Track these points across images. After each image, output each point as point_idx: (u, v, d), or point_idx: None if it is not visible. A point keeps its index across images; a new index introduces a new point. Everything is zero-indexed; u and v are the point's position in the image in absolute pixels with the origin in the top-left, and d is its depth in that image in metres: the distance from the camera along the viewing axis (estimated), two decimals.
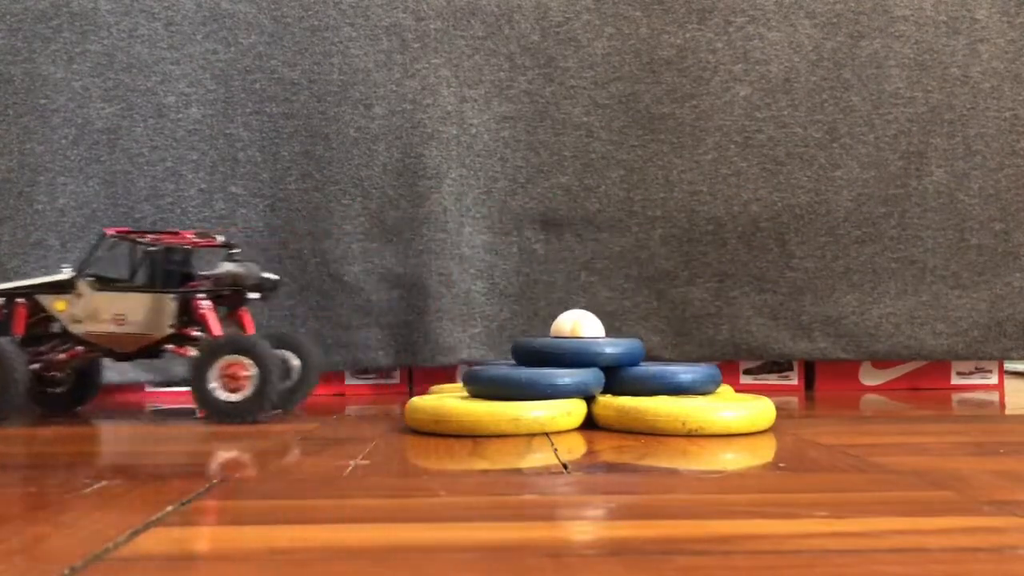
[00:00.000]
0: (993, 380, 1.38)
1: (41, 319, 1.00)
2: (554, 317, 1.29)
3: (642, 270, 1.31)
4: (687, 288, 1.31)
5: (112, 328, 0.98)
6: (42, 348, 1.01)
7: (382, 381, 1.36)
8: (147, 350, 1.00)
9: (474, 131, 1.30)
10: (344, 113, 1.28)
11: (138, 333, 0.98)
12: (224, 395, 0.93)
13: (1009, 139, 1.32)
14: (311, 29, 1.28)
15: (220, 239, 1.05)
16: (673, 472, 0.61)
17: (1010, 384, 1.43)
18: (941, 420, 0.95)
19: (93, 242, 1.10)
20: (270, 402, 0.93)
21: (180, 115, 1.27)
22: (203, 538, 0.43)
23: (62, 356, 1.00)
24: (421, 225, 1.28)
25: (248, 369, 0.92)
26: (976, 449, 0.72)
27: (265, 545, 0.42)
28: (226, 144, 1.27)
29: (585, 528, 0.45)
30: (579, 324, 0.94)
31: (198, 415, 1.02)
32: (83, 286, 0.98)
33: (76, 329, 0.98)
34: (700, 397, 0.88)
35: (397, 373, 1.36)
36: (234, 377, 0.92)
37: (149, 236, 1.01)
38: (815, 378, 1.38)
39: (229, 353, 0.93)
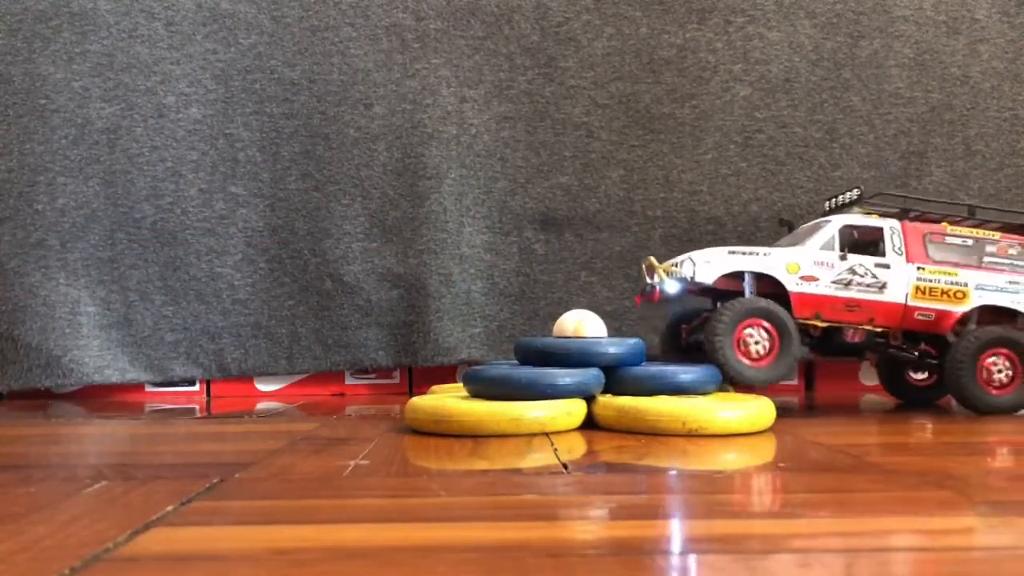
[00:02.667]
0: None
1: None
2: (554, 317, 1.29)
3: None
4: None
5: None
6: None
7: (382, 381, 1.36)
8: None
9: (474, 131, 1.30)
10: (344, 113, 1.28)
11: None
12: None
13: (1009, 139, 1.32)
14: (311, 29, 1.28)
15: None
16: (673, 472, 0.61)
17: None
18: (941, 420, 0.95)
19: None
20: None
21: (180, 115, 1.27)
22: (203, 538, 0.43)
23: None
24: (421, 225, 1.28)
25: None
26: (976, 449, 0.72)
27: (265, 545, 0.42)
28: (226, 144, 1.27)
29: (585, 528, 0.45)
30: (582, 324, 0.94)
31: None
32: None
33: None
34: (700, 397, 0.88)
35: (397, 373, 1.36)
36: None
37: None
38: (815, 378, 1.38)
39: None
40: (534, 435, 0.80)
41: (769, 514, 0.47)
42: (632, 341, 0.91)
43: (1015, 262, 1.01)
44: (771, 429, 0.84)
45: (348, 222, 1.28)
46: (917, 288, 0.98)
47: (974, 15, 1.32)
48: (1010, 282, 1.00)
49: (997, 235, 1.02)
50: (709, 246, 1.30)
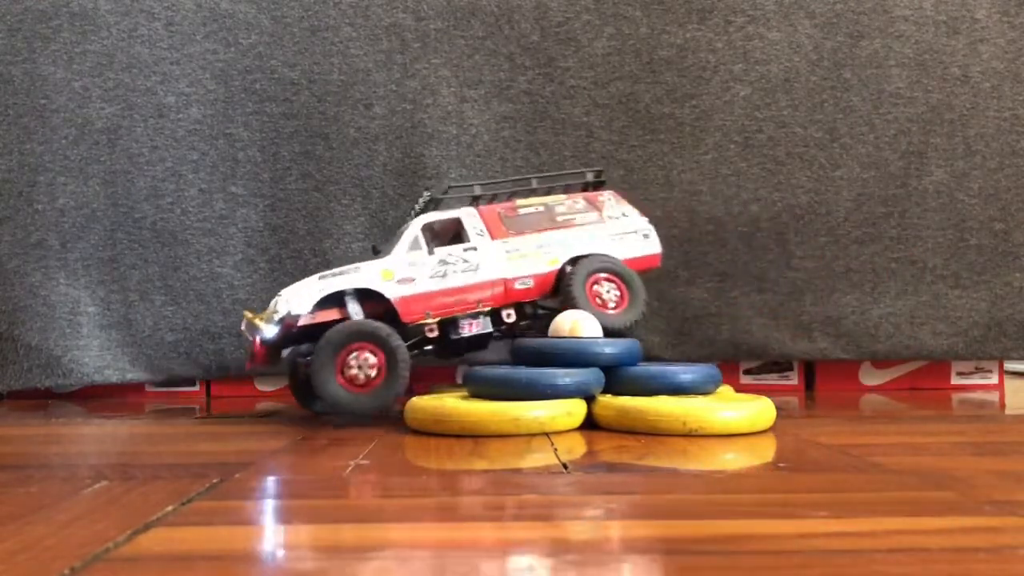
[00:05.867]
0: (993, 380, 1.38)
1: None
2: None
3: None
4: (687, 288, 1.30)
5: None
6: None
7: None
8: None
9: (474, 131, 1.30)
10: (344, 113, 1.28)
11: None
12: None
13: (1009, 139, 1.32)
14: (311, 29, 1.28)
15: None
16: (673, 472, 0.61)
17: (1010, 384, 1.43)
18: (941, 420, 0.95)
19: None
20: None
21: (180, 115, 1.27)
22: (203, 538, 0.43)
23: None
24: None
25: None
26: (976, 449, 0.72)
27: (265, 545, 0.42)
28: (226, 144, 1.27)
29: (585, 528, 0.45)
30: (578, 324, 0.94)
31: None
32: None
33: None
34: (700, 397, 0.88)
35: None
36: None
37: None
38: (815, 378, 1.38)
39: None
40: (534, 435, 0.80)
41: (769, 514, 0.47)
42: (628, 341, 0.91)
43: (587, 214, 1.06)
44: (771, 429, 0.84)
45: (348, 222, 1.28)
46: (509, 259, 1.00)
47: (974, 15, 1.32)
48: (588, 233, 1.04)
49: (562, 196, 1.07)
50: (710, 246, 1.31)
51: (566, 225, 1.04)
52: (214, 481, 0.58)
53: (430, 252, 0.98)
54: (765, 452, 0.71)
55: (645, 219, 1.08)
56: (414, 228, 1.00)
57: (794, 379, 1.37)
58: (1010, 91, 1.32)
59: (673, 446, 0.73)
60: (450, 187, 1.05)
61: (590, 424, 0.86)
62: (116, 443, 0.81)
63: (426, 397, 0.89)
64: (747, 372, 1.37)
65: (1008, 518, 0.46)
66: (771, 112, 1.31)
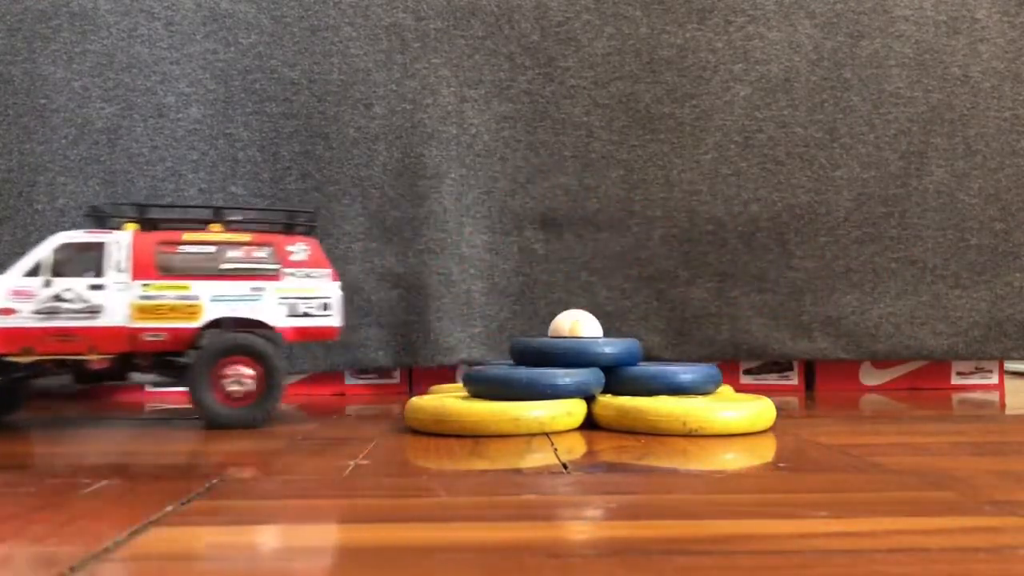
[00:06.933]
0: (993, 380, 1.38)
1: None
2: (554, 317, 1.29)
3: (642, 270, 1.30)
4: (687, 288, 1.30)
5: None
6: None
7: (382, 381, 1.36)
8: None
9: (474, 131, 1.30)
10: (344, 113, 1.28)
11: None
12: None
13: (1009, 139, 1.32)
14: (311, 29, 1.28)
15: None
16: (673, 472, 0.61)
17: (1010, 384, 1.43)
18: (941, 420, 0.95)
19: None
20: None
21: (180, 115, 1.27)
22: (203, 538, 0.43)
23: None
24: (421, 225, 1.28)
25: None
26: (976, 449, 0.72)
27: (265, 545, 0.42)
28: (226, 144, 1.27)
29: (585, 528, 0.45)
30: (578, 324, 0.94)
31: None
32: None
33: None
34: (700, 397, 0.88)
35: (397, 373, 1.36)
36: None
37: None
38: (815, 378, 1.38)
39: None
40: (534, 435, 0.80)
41: (769, 514, 0.47)
42: (627, 341, 0.91)
43: (263, 266, 0.92)
44: (771, 429, 0.84)
45: (348, 222, 1.28)
46: (140, 308, 0.89)
47: (974, 15, 1.32)
48: (253, 289, 0.92)
49: (248, 237, 0.93)
50: (709, 246, 1.31)
51: (230, 276, 0.91)
52: (214, 481, 0.58)
53: (46, 283, 0.87)
54: (765, 452, 0.71)
55: (336, 284, 0.96)
56: (45, 248, 0.89)
57: (794, 379, 1.37)
58: (1010, 91, 1.32)
59: (673, 446, 0.73)
60: (118, 204, 0.96)
61: (590, 424, 0.86)
62: (116, 443, 0.81)
63: (426, 397, 0.89)
64: (747, 372, 1.37)
65: (1008, 518, 0.46)
66: (771, 112, 1.31)
